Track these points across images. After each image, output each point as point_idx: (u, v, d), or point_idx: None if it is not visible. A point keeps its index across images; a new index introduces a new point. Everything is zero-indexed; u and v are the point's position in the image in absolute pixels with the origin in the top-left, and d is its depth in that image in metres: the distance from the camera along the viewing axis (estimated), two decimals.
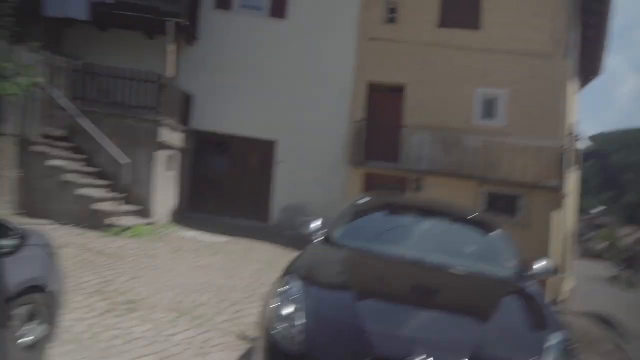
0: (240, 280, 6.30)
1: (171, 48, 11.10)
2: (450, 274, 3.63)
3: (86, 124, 8.88)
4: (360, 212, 4.59)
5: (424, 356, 2.36)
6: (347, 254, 3.70)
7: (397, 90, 12.19)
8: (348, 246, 3.80)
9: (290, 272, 3.21)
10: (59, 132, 9.23)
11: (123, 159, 8.54)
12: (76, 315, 4.09)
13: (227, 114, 12.09)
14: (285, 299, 2.82)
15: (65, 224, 8.07)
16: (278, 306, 2.79)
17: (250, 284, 6.15)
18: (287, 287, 2.93)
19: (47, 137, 8.89)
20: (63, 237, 7.18)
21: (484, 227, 4.58)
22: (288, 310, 2.73)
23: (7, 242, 1.85)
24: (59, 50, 11.30)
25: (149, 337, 3.89)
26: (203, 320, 4.52)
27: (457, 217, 4.74)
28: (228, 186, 12.31)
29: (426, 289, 3.50)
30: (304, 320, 2.62)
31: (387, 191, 6.48)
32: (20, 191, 8.37)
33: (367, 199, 5.04)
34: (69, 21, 11.53)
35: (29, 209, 8.34)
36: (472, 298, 3.43)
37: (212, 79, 12.09)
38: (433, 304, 3.20)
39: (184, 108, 11.55)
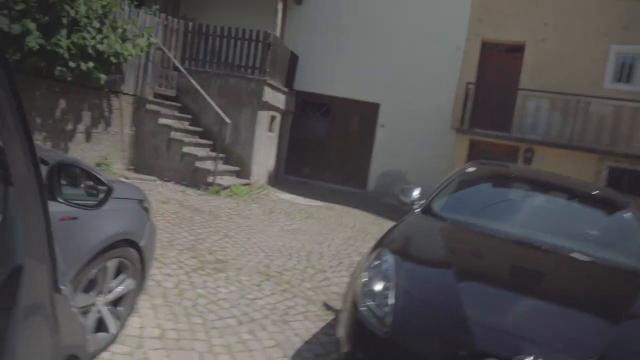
0: (329, 247, 6.20)
1: (280, 6, 11.07)
2: (570, 259, 3.09)
3: (194, 84, 9.19)
4: (465, 182, 4.15)
5: (533, 357, 2.00)
6: (448, 228, 3.37)
7: (514, 50, 11.08)
8: (450, 219, 3.45)
9: (383, 244, 2.96)
10: (169, 92, 9.71)
11: (227, 119, 8.74)
12: (167, 270, 4.24)
13: (331, 75, 11.89)
14: (376, 274, 2.59)
15: (169, 180, 8.55)
16: (367, 281, 2.57)
17: (339, 252, 6.03)
18: (378, 261, 2.70)
19: (159, 96, 9.39)
20: (165, 192, 7.62)
21: (613, 205, 3.93)
22: (378, 286, 2.51)
23: (94, 195, 1.82)
24: (175, 13, 11.82)
25: (233, 300, 3.91)
26: (288, 286, 4.46)
27: (578, 192, 4.09)
28: (326, 150, 12.25)
29: (539, 275, 3.04)
30: (394, 300, 2.38)
31: (497, 161, 5.84)
32: (132, 147, 8.98)
33: (474, 168, 4.50)
34: None
35: (139, 164, 8.94)
36: (598, 291, 2.91)
37: (317, 39, 11.91)
38: (548, 293, 2.74)
39: (289, 68, 11.53)
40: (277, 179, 11.10)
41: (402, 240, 3.14)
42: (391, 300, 2.39)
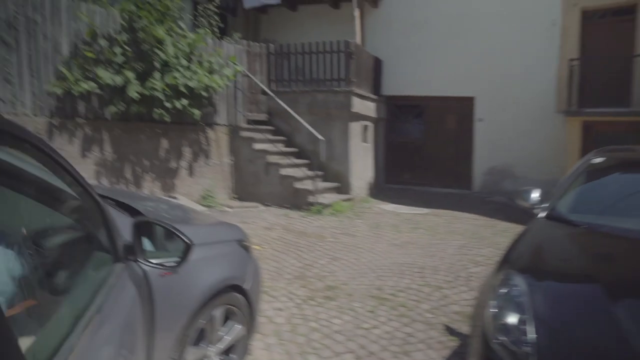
0: (442, 259, 5.73)
1: (357, 13, 10.87)
2: None
3: (283, 105, 9.23)
4: (594, 176, 3.56)
5: None
6: (582, 234, 2.85)
7: (623, 12, 9.75)
8: (582, 223, 2.92)
9: (508, 263, 2.55)
10: (261, 116, 9.86)
11: (319, 136, 8.63)
12: (278, 304, 4.11)
13: (419, 75, 11.34)
14: (507, 304, 2.19)
15: (271, 205, 8.60)
16: (498, 313, 2.17)
17: (454, 264, 5.54)
18: (507, 288, 2.29)
19: (251, 122, 9.56)
20: (268, 218, 7.63)
21: None
22: (511, 319, 2.10)
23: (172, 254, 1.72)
24: (256, 38, 12.11)
25: (347, 331, 3.65)
26: (404, 310, 4.11)
27: None
28: (424, 152, 11.68)
29: None
30: (535, 335, 1.97)
31: (628, 145, 4.92)
32: (232, 176, 9.20)
33: (601, 157, 3.76)
34: (263, 8, 12.23)
35: (241, 192, 9.13)
36: None
37: (399, 40, 11.44)
38: None
39: (374, 74, 11.21)
40: (378, 190, 10.77)
41: (530, 256, 2.70)
42: (531, 336, 1.98)
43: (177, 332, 2.23)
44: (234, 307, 2.76)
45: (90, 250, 1.76)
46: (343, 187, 9.25)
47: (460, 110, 11.32)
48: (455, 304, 4.28)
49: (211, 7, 9.25)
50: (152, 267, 1.71)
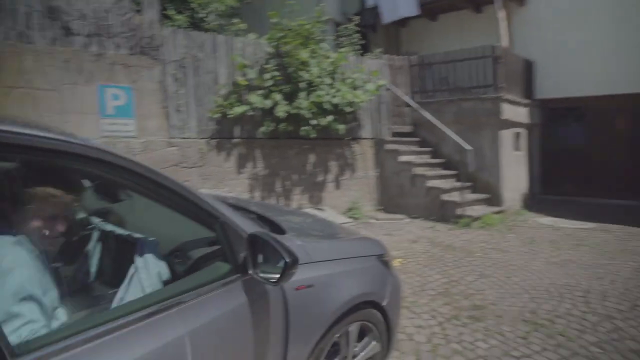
0: (614, 283, 4.98)
1: (501, 14, 10.22)
2: None
3: (427, 116, 9.03)
4: None
5: None
6: None
7: None
8: None
9: None
10: (405, 128, 9.78)
11: (466, 146, 8.24)
12: (419, 321, 3.97)
13: (578, 73, 10.13)
14: None
15: (416, 217, 8.42)
16: None
17: (629, 289, 4.77)
18: None
19: (395, 134, 9.53)
20: (414, 230, 7.48)
21: None
22: None
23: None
24: (397, 51, 12.11)
25: (493, 357, 3.36)
26: (563, 340, 3.65)
27: None
28: (587, 159, 10.35)
29: None
30: None
31: None
32: (378, 189, 9.24)
33: None
34: (402, 21, 12.20)
35: (386, 204, 9.12)
36: None
37: (553, 36, 10.39)
38: None
39: (525, 77, 10.37)
40: (533, 201, 9.85)
41: None
42: None
43: (311, 345, 2.27)
44: (370, 324, 2.72)
45: (213, 260, 1.92)
46: (493, 199, 8.67)
47: (631, 109, 9.83)
48: (633, 340, 3.66)
49: (351, 26, 9.52)
50: (260, 280, 1.78)
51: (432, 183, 8.55)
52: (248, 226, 1.97)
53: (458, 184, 8.45)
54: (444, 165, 9.17)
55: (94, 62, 6.07)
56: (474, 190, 8.79)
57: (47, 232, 1.76)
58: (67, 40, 5.92)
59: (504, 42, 10.17)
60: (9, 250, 1.51)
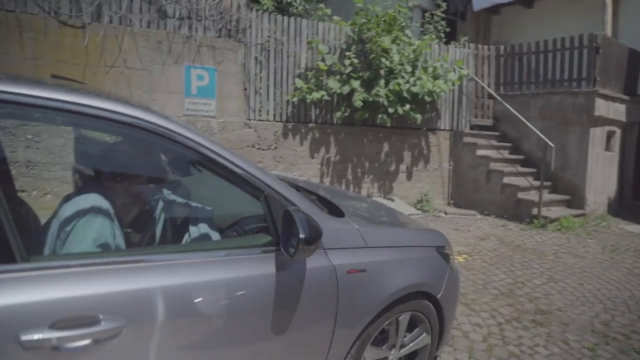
0: None
1: None
2: None
3: (511, 109, 8.63)
4: None
5: None
6: None
7: None
8: None
9: None
10: (486, 121, 9.43)
11: (550, 143, 7.79)
12: (477, 319, 3.90)
13: None
14: None
15: (488, 214, 8.15)
16: None
17: None
18: None
19: (475, 127, 9.22)
20: (484, 227, 7.26)
21: None
22: None
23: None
24: (487, 40, 11.63)
25: None
26: (638, 358, 3.43)
27: None
28: None
29: None
30: None
31: None
32: (451, 182, 9.02)
33: None
34: (495, 9, 11.67)
35: (458, 198, 8.90)
36: None
37: None
38: None
39: (628, 70, 9.45)
40: (621, 207, 9.13)
41: None
42: None
43: (358, 329, 2.32)
44: (422, 315, 2.73)
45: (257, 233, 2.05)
46: (575, 201, 8.15)
47: None
48: None
49: (438, 13, 9.27)
50: (284, 252, 1.85)
51: (508, 180, 8.21)
52: (300, 203, 2.04)
53: (536, 183, 8.03)
54: (523, 162, 8.75)
55: (183, 44, 6.44)
56: (554, 190, 8.32)
57: (123, 200, 2.00)
58: (161, 22, 6.32)
59: (608, 30, 9.41)
60: (96, 204, 1.81)
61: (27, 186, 5.26)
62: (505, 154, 8.87)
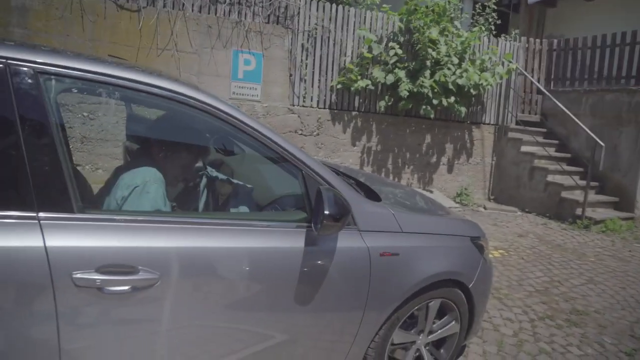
0: None
1: None
2: None
3: (560, 106, 8.36)
4: None
5: None
6: None
7: None
8: None
9: None
10: (532, 117, 9.19)
11: (600, 142, 7.52)
12: (509, 314, 3.88)
13: None
14: None
15: (529, 211, 7.98)
16: None
17: None
18: None
19: (520, 122, 9.00)
20: (523, 225, 7.13)
21: None
22: None
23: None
24: (539, 34, 11.26)
25: None
26: None
27: None
28: None
29: None
30: None
31: None
32: (493, 177, 8.87)
33: None
34: (551, 1, 11.28)
35: (499, 194, 8.75)
36: None
37: None
38: None
39: None
40: None
41: None
42: None
43: (388, 311, 2.37)
44: (452, 303, 2.76)
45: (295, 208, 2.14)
46: (623, 203, 7.84)
47: None
48: None
49: (490, 4, 9.06)
50: (313, 230, 1.92)
51: (552, 178, 7.99)
52: (336, 184, 2.11)
53: (582, 183, 7.78)
54: (570, 161, 8.48)
55: (232, 29, 6.59)
56: (601, 191, 8.04)
57: (171, 174, 2.16)
58: (212, 7, 6.49)
59: None
60: (152, 176, 2.01)
61: (81, 161, 5.56)
62: (551, 151, 8.63)
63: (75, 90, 1.83)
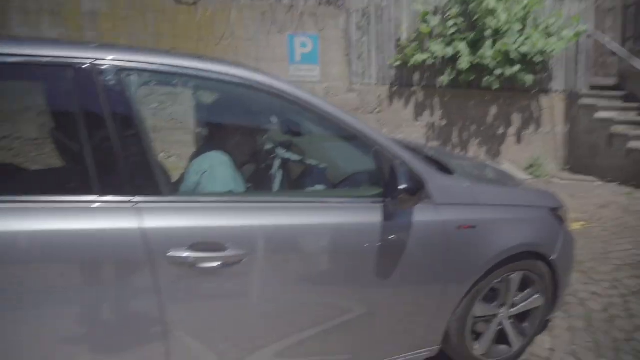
0: None
1: None
2: None
3: (638, 66, 7.74)
4: None
5: None
6: None
7: None
8: None
9: None
10: (608, 81, 8.57)
11: None
12: (595, 288, 3.66)
13: None
14: None
15: (610, 181, 7.47)
16: None
17: None
18: None
19: (595, 87, 8.43)
20: (604, 195, 6.70)
21: None
22: None
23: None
24: None
25: None
26: None
27: None
28: None
29: None
30: None
31: None
32: (565, 146, 8.39)
33: None
34: None
35: (574, 164, 8.26)
36: None
37: None
38: None
39: None
40: None
41: None
42: None
43: (468, 285, 2.32)
44: (534, 275, 2.64)
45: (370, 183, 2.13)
46: None
47: None
48: None
49: None
50: (389, 206, 1.94)
51: (635, 144, 7.42)
52: (408, 159, 2.08)
53: None
54: None
55: (286, 13, 6.60)
56: None
57: (242, 157, 2.22)
58: None
59: None
60: (218, 159, 2.08)
61: (156, 149, 5.80)
62: (632, 115, 8.01)
63: (154, 83, 1.89)
